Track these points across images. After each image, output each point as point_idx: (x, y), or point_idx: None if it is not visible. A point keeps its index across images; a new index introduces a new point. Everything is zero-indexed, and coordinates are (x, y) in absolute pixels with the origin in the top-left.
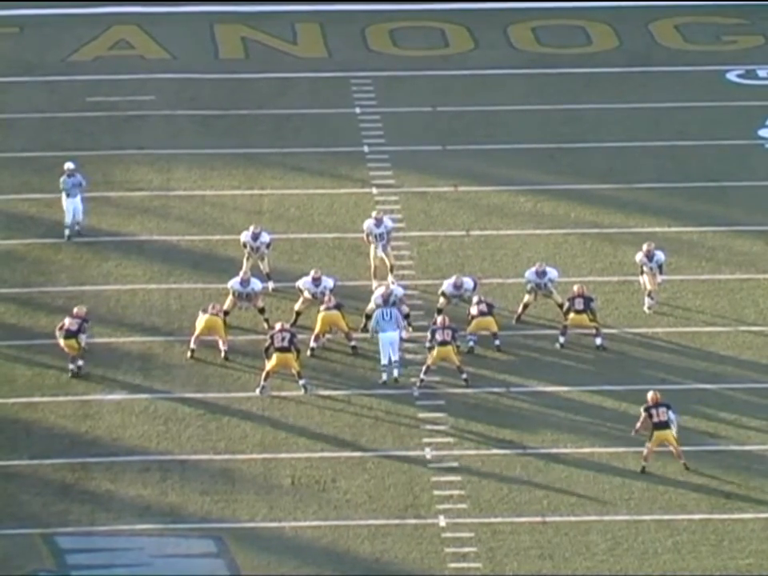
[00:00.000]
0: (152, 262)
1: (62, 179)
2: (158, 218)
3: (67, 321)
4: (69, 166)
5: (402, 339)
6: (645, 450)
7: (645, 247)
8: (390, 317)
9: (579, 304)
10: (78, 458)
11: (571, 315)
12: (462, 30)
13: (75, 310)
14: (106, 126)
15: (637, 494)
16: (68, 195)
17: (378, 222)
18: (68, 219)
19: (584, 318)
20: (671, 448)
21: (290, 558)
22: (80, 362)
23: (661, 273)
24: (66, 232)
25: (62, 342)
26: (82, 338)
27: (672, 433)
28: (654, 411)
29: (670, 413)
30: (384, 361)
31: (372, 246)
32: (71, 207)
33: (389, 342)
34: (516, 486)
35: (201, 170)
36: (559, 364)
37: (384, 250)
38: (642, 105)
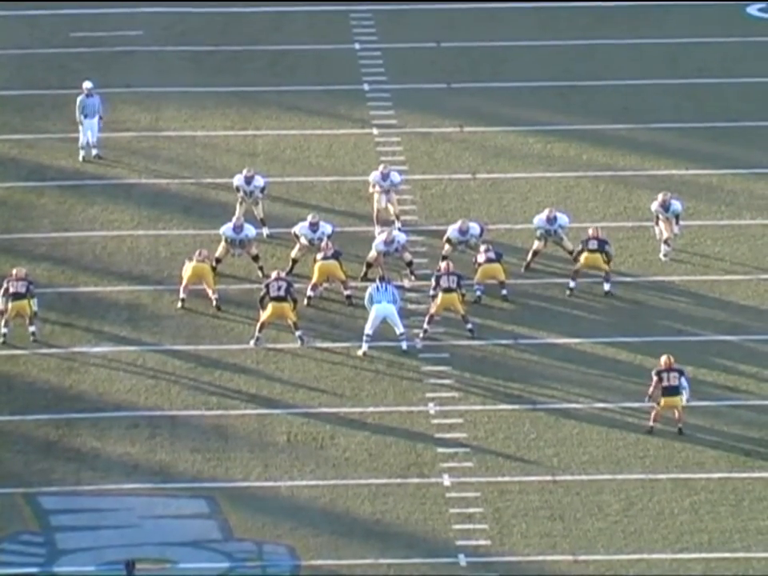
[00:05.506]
0: (140, 206)
1: (79, 99)
2: (147, 159)
3: (10, 285)
4: (87, 85)
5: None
6: (653, 412)
7: (660, 197)
8: (386, 289)
9: (593, 244)
10: (62, 413)
11: (585, 255)
12: None
13: (15, 271)
14: (90, 63)
15: (652, 452)
16: (85, 116)
17: (384, 176)
18: (83, 140)
19: (598, 257)
20: (675, 413)
21: (285, 518)
22: (33, 328)
23: (677, 223)
24: (81, 153)
25: (9, 305)
26: (34, 302)
27: (681, 399)
28: (665, 375)
29: (683, 379)
30: (368, 331)
31: (376, 195)
32: (88, 128)
33: (383, 314)
34: (524, 444)
35: (191, 109)
36: (570, 314)
37: (388, 200)
38: (659, 40)
